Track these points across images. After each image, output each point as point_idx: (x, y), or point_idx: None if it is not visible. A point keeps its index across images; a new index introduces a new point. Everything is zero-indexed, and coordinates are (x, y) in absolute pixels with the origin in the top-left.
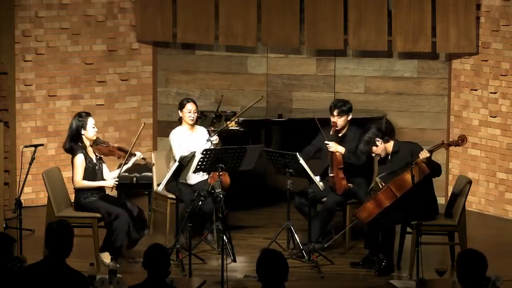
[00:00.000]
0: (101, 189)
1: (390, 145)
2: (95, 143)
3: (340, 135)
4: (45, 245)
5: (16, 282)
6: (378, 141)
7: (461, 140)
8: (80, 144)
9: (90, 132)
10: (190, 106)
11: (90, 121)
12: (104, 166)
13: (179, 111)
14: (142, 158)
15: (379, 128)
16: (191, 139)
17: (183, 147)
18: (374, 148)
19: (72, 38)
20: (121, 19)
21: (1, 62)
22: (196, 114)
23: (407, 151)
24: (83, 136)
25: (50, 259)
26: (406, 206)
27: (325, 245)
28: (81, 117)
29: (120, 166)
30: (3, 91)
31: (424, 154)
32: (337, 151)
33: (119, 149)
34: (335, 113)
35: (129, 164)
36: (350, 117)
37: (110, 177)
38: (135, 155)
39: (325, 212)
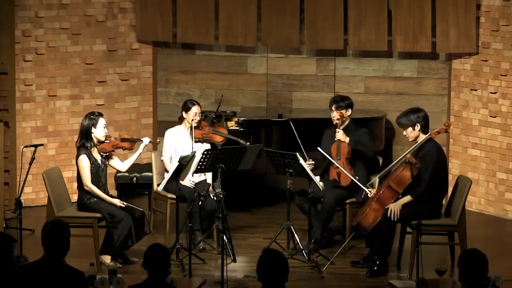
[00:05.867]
0: (105, 190)
1: (421, 137)
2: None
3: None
4: (42, 245)
5: (16, 281)
6: (417, 126)
7: (447, 126)
8: (89, 143)
9: (99, 132)
10: (195, 109)
11: (101, 121)
12: (116, 160)
13: (183, 112)
14: (150, 142)
15: (427, 117)
16: (188, 140)
17: (177, 147)
18: (409, 129)
19: (72, 38)
20: (121, 19)
21: (1, 62)
22: (199, 115)
23: (428, 153)
24: (92, 135)
25: (48, 258)
26: (412, 203)
27: (322, 242)
28: (93, 115)
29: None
30: (3, 91)
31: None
32: (345, 141)
33: (123, 140)
34: (333, 107)
35: (140, 150)
36: (349, 112)
37: (123, 168)
38: (142, 141)
39: (326, 213)
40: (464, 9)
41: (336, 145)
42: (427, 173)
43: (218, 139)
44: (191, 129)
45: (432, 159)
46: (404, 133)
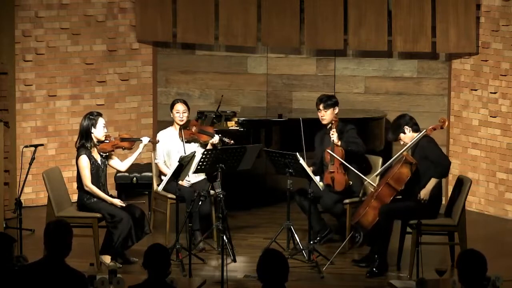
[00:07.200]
0: (105, 190)
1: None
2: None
3: (328, 128)
4: (44, 245)
5: (16, 281)
6: (407, 129)
7: (443, 122)
8: (89, 143)
9: (99, 132)
10: (179, 107)
11: (101, 121)
12: (116, 160)
13: (170, 112)
14: (150, 141)
15: (412, 117)
16: (178, 141)
17: (170, 149)
18: (402, 135)
19: (72, 38)
20: (121, 19)
21: (1, 62)
22: (185, 114)
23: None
24: (92, 135)
25: (49, 258)
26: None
27: (321, 242)
28: (92, 115)
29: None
30: (3, 91)
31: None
32: (338, 143)
33: (122, 139)
34: (321, 106)
35: (140, 150)
36: (336, 110)
37: (123, 168)
38: (141, 141)
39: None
40: (464, 9)
41: (330, 151)
42: (433, 154)
43: (205, 138)
44: (180, 130)
45: (430, 146)
46: (401, 142)
